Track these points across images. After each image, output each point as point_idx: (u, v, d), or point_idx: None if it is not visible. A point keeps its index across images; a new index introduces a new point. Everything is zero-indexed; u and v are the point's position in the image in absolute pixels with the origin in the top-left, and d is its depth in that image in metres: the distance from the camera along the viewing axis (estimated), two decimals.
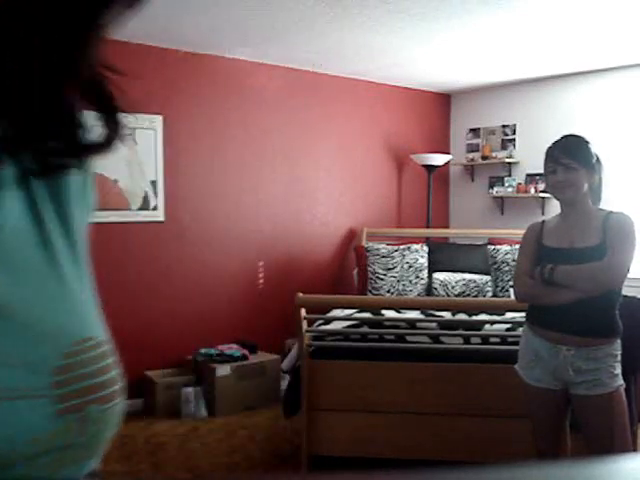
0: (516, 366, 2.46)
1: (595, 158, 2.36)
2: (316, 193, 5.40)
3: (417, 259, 5.15)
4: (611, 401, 2.29)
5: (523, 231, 5.85)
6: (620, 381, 2.32)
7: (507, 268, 5.01)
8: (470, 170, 6.04)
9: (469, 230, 5.72)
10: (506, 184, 5.69)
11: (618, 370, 2.32)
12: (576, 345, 2.26)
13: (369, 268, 5.16)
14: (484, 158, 5.90)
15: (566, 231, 2.36)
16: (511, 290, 4.93)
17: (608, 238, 2.27)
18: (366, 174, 5.71)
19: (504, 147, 5.82)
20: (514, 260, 5.05)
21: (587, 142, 2.38)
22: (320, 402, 3.26)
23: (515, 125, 5.76)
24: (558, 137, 2.42)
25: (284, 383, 4.34)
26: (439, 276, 5.10)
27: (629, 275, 5.58)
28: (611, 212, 2.36)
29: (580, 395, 2.31)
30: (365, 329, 3.44)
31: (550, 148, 2.38)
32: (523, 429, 3.09)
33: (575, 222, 2.36)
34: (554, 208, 5.48)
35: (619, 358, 2.33)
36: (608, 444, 2.31)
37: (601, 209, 2.39)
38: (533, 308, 2.42)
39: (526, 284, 2.40)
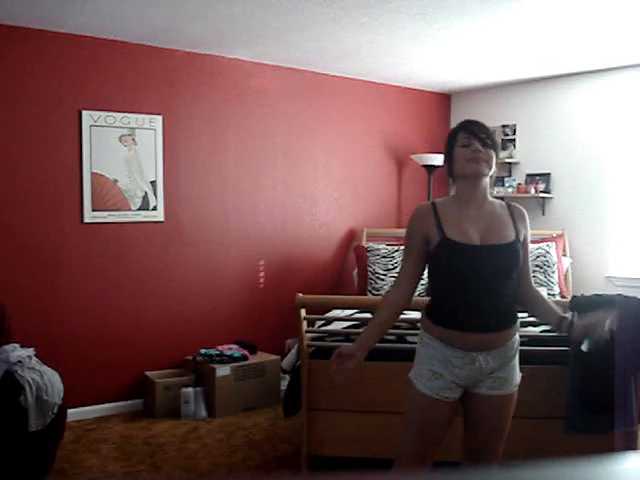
0: (411, 375, 2.21)
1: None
2: (316, 193, 5.40)
3: None
4: (510, 402, 2.20)
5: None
6: (520, 377, 2.23)
7: None
8: None
9: None
10: (506, 184, 5.68)
11: (517, 364, 2.23)
12: (490, 348, 2.11)
13: (369, 268, 5.16)
14: None
15: (471, 221, 2.13)
16: None
17: (520, 234, 2.16)
18: (366, 174, 5.70)
19: (504, 147, 5.82)
20: None
21: None
22: (320, 402, 3.26)
23: (515, 125, 5.75)
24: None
25: (284, 383, 4.34)
26: None
27: (629, 275, 5.54)
28: (508, 201, 2.25)
29: (481, 395, 2.16)
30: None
31: (461, 124, 2.19)
32: (523, 429, 3.09)
33: (479, 211, 2.15)
34: (555, 208, 5.51)
35: (518, 349, 2.24)
36: (496, 447, 2.21)
37: (493, 198, 2.25)
38: (439, 311, 2.19)
39: (402, 293, 2.21)
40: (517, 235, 2.15)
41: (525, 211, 2.25)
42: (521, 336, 3.22)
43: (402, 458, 2.24)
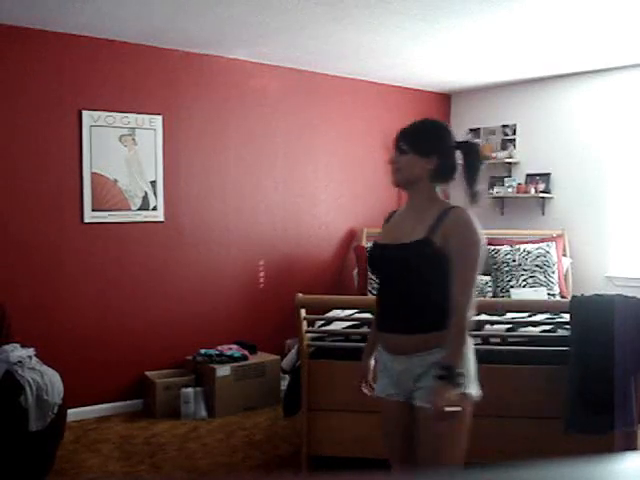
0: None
1: (446, 147, 2.06)
2: (316, 193, 5.40)
3: None
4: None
5: (523, 231, 5.86)
6: (460, 390, 1.91)
7: (507, 268, 5.01)
8: None
9: None
10: (506, 184, 5.68)
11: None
12: (406, 352, 2.00)
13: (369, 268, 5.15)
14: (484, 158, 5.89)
15: (399, 224, 2.12)
16: (511, 290, 4.94)
17: (438, 235, 1.95)
18: (366, 174, 5.70)
19: (504, 147, 5.81)
20: (514, 260, 5.05)
21: (436, 128, 2.10)
22: (320, 402, 3.26)
23: (515, 125, 5.75)
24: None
25: (284, 383, 4.34)
26: None
27: (629, 275, 5.54)
28: (451, 207, 2.01)
29: (415, 406, 2.02)
30: (365, 329, 3.43)
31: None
32: (523, 429, 3.09)
33: (415, 215, 2.07)
34: (554, 208, 5.51)
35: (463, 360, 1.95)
36: (440, 459, 2.01)
37: (446, 202, 2.06)
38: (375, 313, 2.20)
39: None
40: (429, 234, 1.96)
41: (466, 218, 1.97)
42: (521, 336, 3.23)
43: (390, 462, 2.19)
